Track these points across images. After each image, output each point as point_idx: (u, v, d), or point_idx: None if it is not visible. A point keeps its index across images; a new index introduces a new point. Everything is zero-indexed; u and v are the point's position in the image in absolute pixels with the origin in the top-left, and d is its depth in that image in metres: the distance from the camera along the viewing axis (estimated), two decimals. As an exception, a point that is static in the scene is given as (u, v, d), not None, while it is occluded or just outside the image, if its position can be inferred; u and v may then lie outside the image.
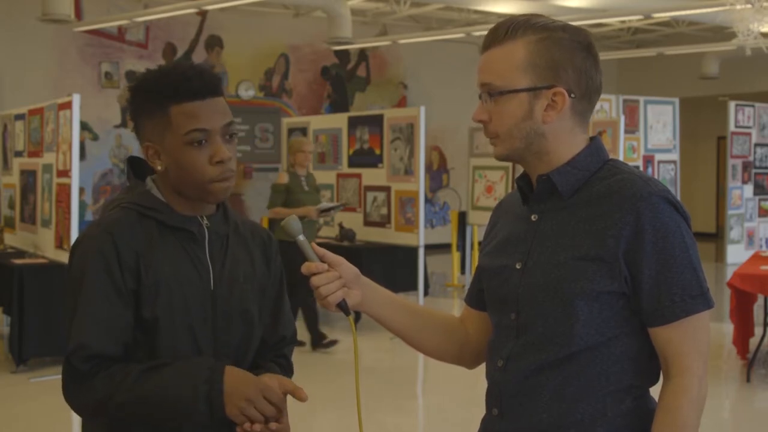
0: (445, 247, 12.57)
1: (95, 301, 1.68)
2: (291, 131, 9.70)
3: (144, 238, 1.73)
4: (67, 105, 6.21)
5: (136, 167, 1.85)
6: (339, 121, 9.17)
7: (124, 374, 1.66)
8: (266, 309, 1.90)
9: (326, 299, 1.63)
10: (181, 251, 1.76)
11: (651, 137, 11.78)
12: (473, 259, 10.30)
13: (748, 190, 12.63)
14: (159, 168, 1.77)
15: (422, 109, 8.03)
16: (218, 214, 1.84)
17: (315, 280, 1.62)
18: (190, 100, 1.71)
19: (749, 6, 8.40)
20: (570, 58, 1.57)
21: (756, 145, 12.68)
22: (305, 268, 1.63)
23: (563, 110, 1.58)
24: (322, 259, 1.64)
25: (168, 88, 1.72)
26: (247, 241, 1.88)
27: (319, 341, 7.09)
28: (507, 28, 1.59)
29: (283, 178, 7.15)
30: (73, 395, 1.70)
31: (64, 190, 6.27)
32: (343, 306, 1.65)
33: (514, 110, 1.58)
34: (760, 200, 12.78)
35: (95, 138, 11.92)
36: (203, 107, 1.72)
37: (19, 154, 7.54)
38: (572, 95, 1.58)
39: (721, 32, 13.05)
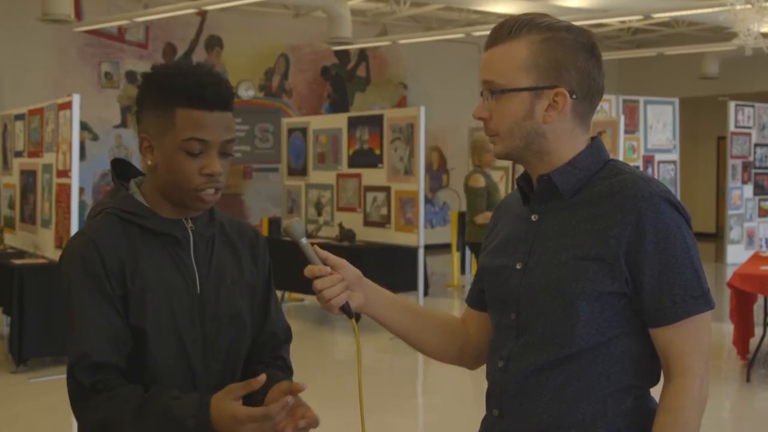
0: (445, 247, 12.57)
1: (89, 312, 1.67)
2: (291, 131, 9.70)
3: (128, 244, 1.72)
4: (67, 105, 6.21)
5: (120, 170, 1.84)
6: (339, 121, 9.17)
7: (124, 401, 1.64)
8: (255, 308, 1.88)
9: (329, 302, 1.63)
10: (165, 256, 1.74)
11: (651, 137, 11.78)
12: (473, 259, 10.30)
13: (748, 190, 12.63)
14: (149, 162, 1.76)
15: (422, 109, 8.03)
16: (203, 215, 1.83)
17: (318, 284, 1.62)
18: (198, 109, 1.69)
19: (749, 6, 8.39)
20: (573, 58, 1.57)
21: (756, 145, 12.69)
22: (308, 271, 1.62)
23: (564, 111, 1.58)
24: (324, 262, 1.64)
25: (181, 90, 1.69)
26: (234, 241, 1.87)
27: None
28: (511, 27, 1.58)
29: (480, 181, 7.03)
30: (78, 412, 1.69)
31: (64, 190, 6.27)
32: (346, 309, 1.65)
33: (514, 109, 1.58)
34: (760, 200, 12.78)
35: (95, 138, 11.92)
36: (209, 118, 1.70)
37: (19, 154, 7.54)
38: (574, 96, 1.58)
39: (721, 32, 13.05)
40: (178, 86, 1.70)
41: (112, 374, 1.67)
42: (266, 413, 1.59)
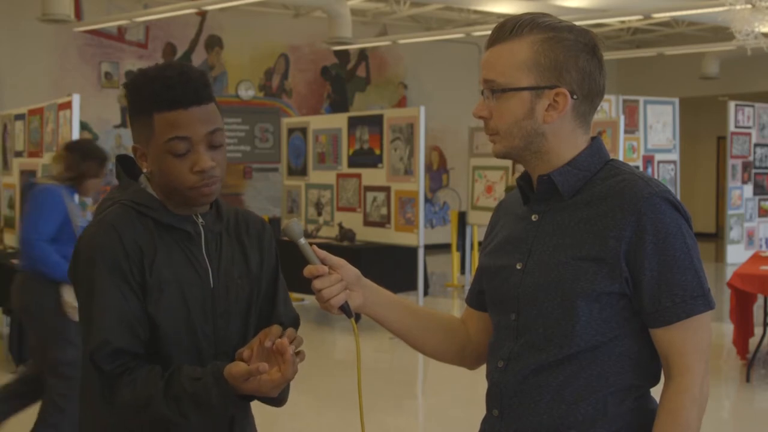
0: (445, 247, 12.57)
1: (110, 298, 1.68)
2: (291, 131, 9.70)
3: (145, 235, 1.74)
4: (67, 105, 6.21)
5: (126, 166, 1.85)
6: (339, 121, 9.17)
7: (150, 381, 1.66)
8: (261, 300, 1.90)
9: (329, 302, 1.63)
10: (178, 251, 1.77)
11: (651, 137, 11.77)
12: (473, 259, 10.30)
13: (748, 190, 12.62)
14: (144, 170, 1.79)
15: (422, 109, 8.03)
16: (212, 211, 1.85)
17: (317, 284, 1.62)
18: (171, 109, 1.70)
19: (749, 6, 8.38)
20: (574, 59, 1.57)
21: (756, 145, 12.68)
22: (307, 271, 1.63)
23: (565, 111, 1.58)
24: (323, 262, 1.64)
25: (151, 95, 1.70)
26: (241, 234, 1.89)
27: None
28: (513, 26, 1.58)
29: None
30: (107, 400, 1.69)
31: (64, 190, 6.25)
32: (345, 308, 1.65)
33: (515, 108, 1.58)
34: (760, 200, 12.78)
35: (95, 138, 11.91)
36: (185, 116, 1.70)
37: (19, 154, 7.53)
38: (574, 96, 1.58)
39: (721, 32, 13.04)
40: (148, 93, 1.71)
41: (131, 358, 1.69)
42: (249, 370, 1.62)
